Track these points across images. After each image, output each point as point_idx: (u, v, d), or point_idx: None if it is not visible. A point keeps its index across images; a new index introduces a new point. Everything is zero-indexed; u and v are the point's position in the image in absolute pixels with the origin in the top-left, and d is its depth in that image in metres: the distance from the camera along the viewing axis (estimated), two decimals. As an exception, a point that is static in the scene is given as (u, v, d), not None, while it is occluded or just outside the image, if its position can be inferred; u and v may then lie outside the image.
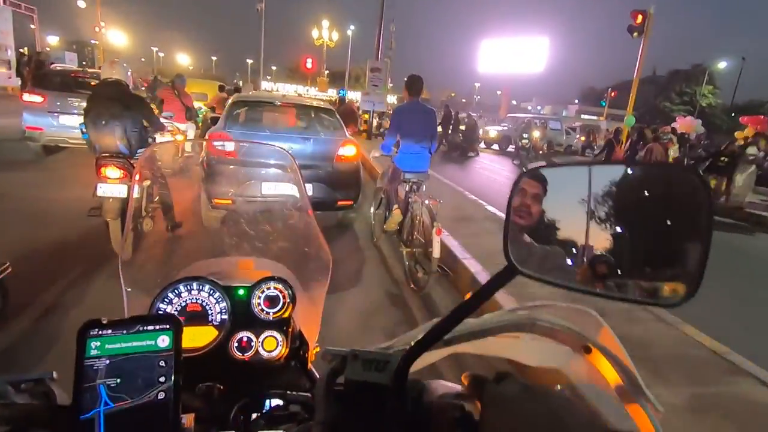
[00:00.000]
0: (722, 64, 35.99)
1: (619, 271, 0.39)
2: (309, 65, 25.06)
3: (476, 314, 0.50)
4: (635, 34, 11.97)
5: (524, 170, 0.46)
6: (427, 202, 3.47)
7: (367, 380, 0.51)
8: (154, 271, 0.89)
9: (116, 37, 30.93)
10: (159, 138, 6.33)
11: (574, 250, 0.40)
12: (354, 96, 25.93)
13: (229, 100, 4.58)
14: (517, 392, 0.42)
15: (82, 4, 23.82)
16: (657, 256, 0.39)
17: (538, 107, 43.36)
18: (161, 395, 0.45)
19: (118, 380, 0.44)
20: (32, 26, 21.67)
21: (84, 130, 3.46)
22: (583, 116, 40.23)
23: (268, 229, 1.06)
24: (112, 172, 3.22)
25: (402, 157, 3.92)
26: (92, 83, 7.00)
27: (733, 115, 34.72)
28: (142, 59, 62.96)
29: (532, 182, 0.44)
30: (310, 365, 0.78)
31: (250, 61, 64.50)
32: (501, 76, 32.55)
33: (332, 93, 28.83)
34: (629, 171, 0.42)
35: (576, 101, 60.44)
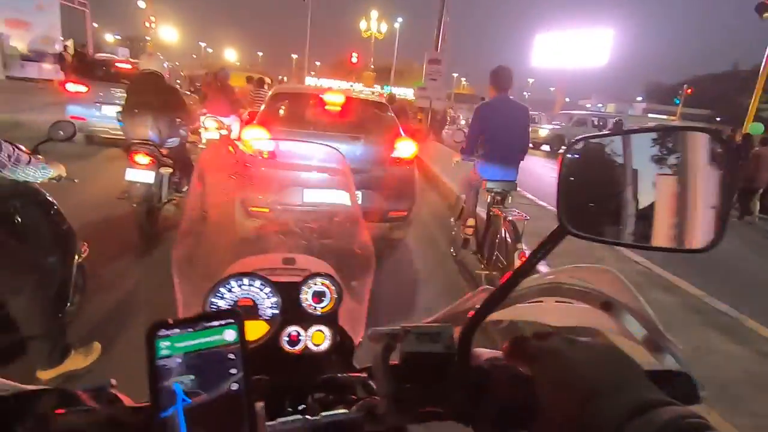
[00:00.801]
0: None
1: (655, 226, 0.46)
2: (354, 60, 24.85)
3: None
4: (766, 14, 9.69)
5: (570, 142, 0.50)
6: (510, 217, 2.86)
7: (428, 351, 0.54)
8: (203, 266, 0.90)
9: (167, 33, 32.42)
10: (204, 133, 6.10)
11: (618, 210, 0.47)
12: (398, 92, 25.45)
13: (269, 93, 4.12)
14: (561, 345, 0.45)
15: (142, 5, 24.98)
16: (686, 212, 0.45)
17: (599, 105, 40.75)
18: (234, 386, 0.47)
19: (192, 377, 0.46)
20: (92, 23, 22.82)
21: (120, 118, 3.69)
22: (650, 115, 37.36)
23: (310, 226, 1.09)
24: (141, 158, 3.37)
25: (485, 163, 3.49)
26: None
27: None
28: (194, 56, 65.86)
29: (580, 150, 0.50)
30: (353, 360, 0.79)
31: (295, 56, 65.91)
32: (556, 71, 30.94)
33: (379, 89, 28.43)
34: (659, 136, 0.47)
35: (639, 98, 56.42)
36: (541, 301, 0.65)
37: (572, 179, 0.49)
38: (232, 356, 0.47)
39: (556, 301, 0.64)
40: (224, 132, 6.32)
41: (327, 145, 1.09)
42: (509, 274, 0.53)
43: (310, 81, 34.49)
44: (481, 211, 3.80)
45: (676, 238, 0.45)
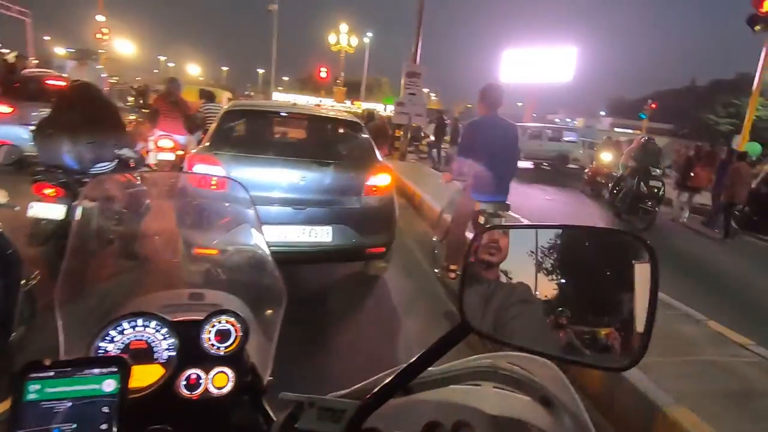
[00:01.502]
0: (774, 73, 34.10)
1: (568, 331, 0.43)
2: (323, 74, 24.54)
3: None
4: (757, 27, 9.13)
5: (480, 230, 0.51)
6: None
7: (319, 431, 0.54)
8: (98, 305, 0.85)
9: (122, 45, 31.19)
10: (156, 154, 5.42)
11: (528, 312, 0.44)
12: (368, 107, 25.06)
13: (221, 110, 3.57)
14: None
15: (100, 18, 23.84)
16: (604, 318, 0.42)
17: (567, 119, 42.04)
18: None
19: (57, 427, 0.42)
20: (34, 33, 21.47)
21: (34, 140, 3.22)
22: (616, 129, 38.84)
23: (220, 260, 1.09)
24: (46, 188, 2.92)
25: (476, 182, 3.40)
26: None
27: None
28: (155, 70, 63.90)
29: (489, 241, 0.48)
30: (263, 401, 0.74)
31: (261, 71, 65.18)
32: (524, 86, 31.72)
33: (349, 105, 28.12)
34: (577, 232, 0.46)
35: (602, 113, 58.81)
36: (479, 385, 0.65)
37: (477, 271, 0.48)
38: (106, 409, 0.45)
39: (494, 387, 0.64)
40: (181, 153, 5.69)
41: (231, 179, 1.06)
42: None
43: (278, 96, 33.87)
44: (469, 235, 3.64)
45: (592, 351, 0.42)
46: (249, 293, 0.94)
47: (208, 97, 8.35)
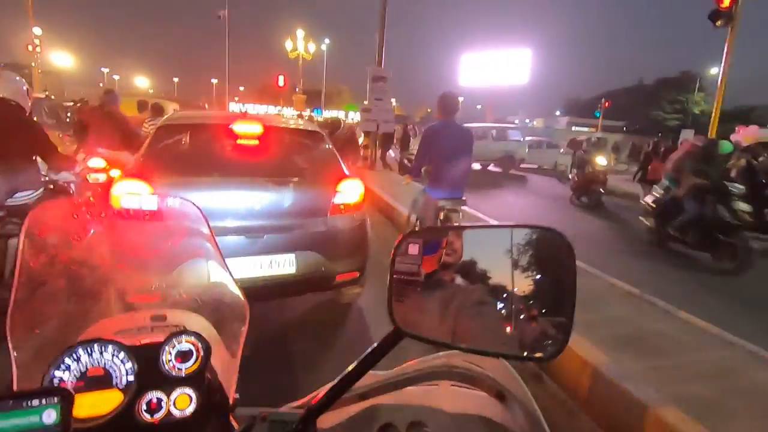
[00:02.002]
0: (714, 70, 36.50)
1: (493, 325, 0.46)
2: (281, 83, 23.90)
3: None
4: (719, 22, 9.35)
5: (405, 233, 0.51)
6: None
7: None
8: (53, 335, 0.84)
9: (59, 58, 29.22)
10: (67, 175, 4.76)
11: (455, 311, 0.47)
12: (329, 115, 24.61)
13: (156, 126, 3.04)
14: None
15: (38, 31, 22.17)
16: (532, 312, 0.45)
17: (526, 120, 43.31)
18: None
19: None
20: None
21: None
22: (573, 128, 40.31)
23: (180, 279, 1.06)
24: None
25: (434, 183, 3.71)
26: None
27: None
28: (101, 84, 60.52)
29: (415, 243, 0.49)
30: (230, 418, 0.74)
31: (215, 81, 63.27)
32: (483, 89, 32.47)
33: (307, 113, 27.55)
34: (504, 232, 0.48)
35: (558, 113, 61.11)
36: (436, 384, 0.66)
37: (404, 276, 0.49)
38: None
39: (452, 385, 0.66)
40: (115, 173, 5.04)
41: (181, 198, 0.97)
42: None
43: (235, 107, 32.78)
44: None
45: (517, 343, 0.45)
46: (212, 310, 0.93)
47: (155, 110, 7.52)
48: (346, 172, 3.09)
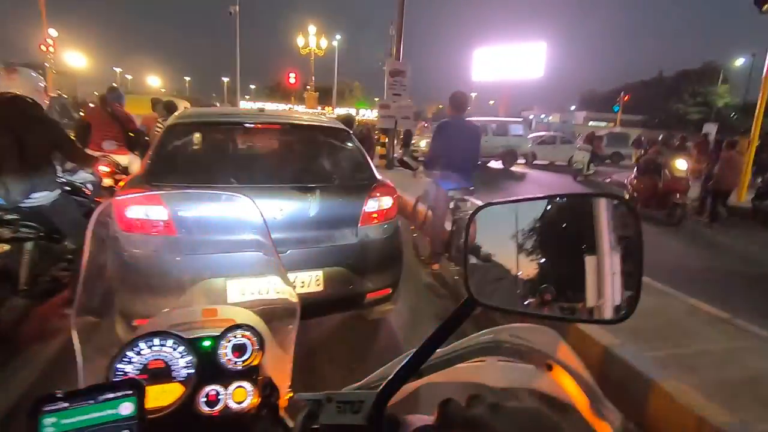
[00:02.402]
0: (739, 61, 35.05)
1: (564, 294, 0.47)
2: (292, 80, 23.65)
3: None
4: (766, 6, 8.73)
5: (474, 211, 0.52)
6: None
7: (342, 423, 0.55)
8: (112, 328, 0.86)
9: (72, 58, 29.31)
10: (85, 175, 4.45)
11: (526, 280, 0.47)
12: (340, 112, 24.20)
13: (166, 125, 2.72)
14: (485, 413, 0.45)
15: (53, 32, 22.26)
16: (596, 281, 0.45)
17: (542, 115, 42.52)
18: None
19: None
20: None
21: None
22: (591, 123, 39.36)
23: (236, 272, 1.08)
24: None
25: (444, 175, 3.93)
26: None
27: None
28: (114, 84, 61.16)
29: (484, 219, 0.51)
30: (282, 413, 0.74)
31: (226, 79, 63.40)
32: (497, 84, 31.91)
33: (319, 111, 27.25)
34: (563, 202, 0.50)
35: (573, 107, 59.76)
36: (484, 360, 0.67)
37: (478, 248, 0.51)
38: None
39: (499, 360, 0.67)
40: (123, 177, 4.74)
41: (230, 194, 0.96)
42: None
43: (246, 105, 32.61)
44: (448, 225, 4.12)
45: (588, 308, 0.46)
46: (262, 306, 0.91)
47: (168, 108, 7.17)
48: (378, 176, 2.73)
